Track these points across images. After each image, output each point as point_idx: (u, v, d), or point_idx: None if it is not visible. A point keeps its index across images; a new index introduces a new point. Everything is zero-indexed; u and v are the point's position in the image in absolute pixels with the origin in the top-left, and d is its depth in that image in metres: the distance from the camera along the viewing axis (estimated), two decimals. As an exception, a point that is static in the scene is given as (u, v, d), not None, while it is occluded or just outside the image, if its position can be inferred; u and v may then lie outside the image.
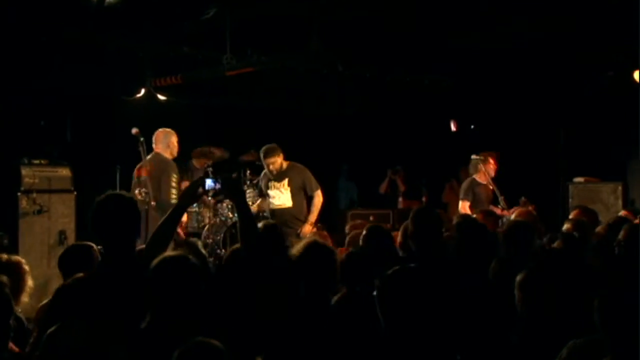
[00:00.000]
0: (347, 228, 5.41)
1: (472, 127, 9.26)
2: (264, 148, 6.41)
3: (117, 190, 2.90)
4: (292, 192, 6.32)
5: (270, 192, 6.41)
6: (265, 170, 6.50)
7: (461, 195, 6.75)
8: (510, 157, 7.24)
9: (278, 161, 6.30)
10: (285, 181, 6.34)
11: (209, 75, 7.18)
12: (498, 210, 6.40)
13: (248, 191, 7.38)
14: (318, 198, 6.37)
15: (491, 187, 6.65)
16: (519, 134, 8.89)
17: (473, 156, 6.81)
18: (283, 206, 6.33)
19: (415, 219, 3.67)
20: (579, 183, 7.74)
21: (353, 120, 9.01)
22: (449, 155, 9.15)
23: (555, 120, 8.53)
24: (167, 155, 6.07)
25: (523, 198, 6.70)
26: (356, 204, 9.67)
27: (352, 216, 8.29)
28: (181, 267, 2.42)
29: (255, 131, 8.34)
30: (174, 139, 6.08)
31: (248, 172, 7.63)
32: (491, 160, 6.71)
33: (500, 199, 6.50)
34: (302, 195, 6.33)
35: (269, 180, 6.44)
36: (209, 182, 2.96)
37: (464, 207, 6.65)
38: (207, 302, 2.46)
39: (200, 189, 2.98)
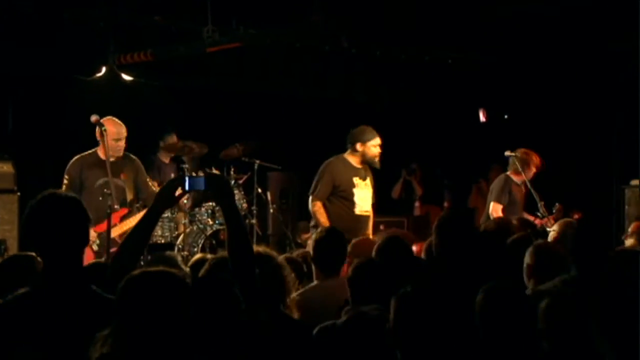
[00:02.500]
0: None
1: (506, 117, 9.28)
2: (363, 128, 6.17)
3: (57, 190, 2.79)
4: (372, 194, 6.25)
5: (356, 191, 6.16)
6: (351, 162, 6.20)
7: (493, 196, 6.69)
8: (551, 153, 7.19)
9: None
10: (369, 179, 6.22)
11: (186, 51, 7.20)
12: (536, 221, 6.39)
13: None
14: None
15: (524, 190, 6.66)
16: (562, 125, 8.88)
17: (507, 153, 6.76)
18: (368, 213, 6.20)
19: (441, 229, 3.62)
20: (637, 186, 7.77)
21: (361, 108, 8.98)
22: (476, 152, 9.20)
23: (608, 109, 8.55)
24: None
25: (557, 205, 6.68)
26: None
27: None
28: (165, 286, 2.26)
29: (241, 120, 8.42)
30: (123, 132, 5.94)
31: (232, 170, 7.66)
32: (535, 161, 6.66)
33: (540, 204, 6.47)
34: None
35: (352, 175, 6.16)
36: (190, 181, 2.79)
37: (496, 210, 6.59)
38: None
39: (179, 190, 2.83)
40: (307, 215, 7.69)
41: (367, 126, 6.19)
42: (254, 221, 7.68)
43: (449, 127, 9.57)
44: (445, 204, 9.39)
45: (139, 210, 5.81)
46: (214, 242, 7.14)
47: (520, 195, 6.67)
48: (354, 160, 6.16)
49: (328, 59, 8.33)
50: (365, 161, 6.17)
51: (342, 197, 6.10)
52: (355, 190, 6.15)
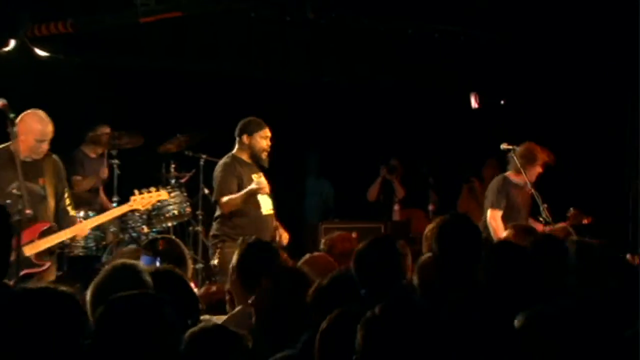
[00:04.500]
0: (323, 241, 5.52)
1: (502, 102, 9.35)
2: (250, 119, 6.49)
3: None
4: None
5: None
6: (243, 158, 6.47)
7: (489, 202, 6.76)
8: (554, 145, 7.14)
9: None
10: (262, 175, 6.50)
11: (114, 22, 7.21)
12: (539, 226, 6.37)
13: (173, 195, 7.33)
14: None
15: (530, 191, 6.68)
16: (568, 112, 8.94)
17: (503, 146, 6.76)
18: (272, 212, 6.49)
19: (441, 236, 3.71)
20: None
21: (329, 91, 9.02)
22: (467, 145, 9.22)
23: (620, 95, 8.57)
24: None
25: (572, 210, 6.82)
26: (332, 213, 9.67)
27: (326, 232, 8.05)
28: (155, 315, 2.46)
29: (184, 107, 8.43)
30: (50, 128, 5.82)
31: (173, 167, 7.74)
32: (542, 157, 6.69)
33: (542, 207, 6.48)
34: None
35: (251, 172, 6.44)
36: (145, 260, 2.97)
37: (494, 217, 6.62)
38: None
39: None
40: None
41: (255, 117, 6.43)
42: (199, 228, 7.68)
43: (435, 116, 9.64)
44: (430, 207, 9.31)
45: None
46: (150, 253, 6.83)
47: (522, 198, 6.71)
48: (244, 156, 6.43)
49: (290, 33, 8.39)
50: (252, 156, 6.41)
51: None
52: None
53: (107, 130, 7.67)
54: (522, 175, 6.65)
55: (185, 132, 7.74)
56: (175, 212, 7.35)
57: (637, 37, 6.90)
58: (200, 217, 7.71)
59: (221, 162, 6.48)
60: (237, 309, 3.91)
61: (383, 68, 8.94)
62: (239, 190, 6.31)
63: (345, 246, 4.90)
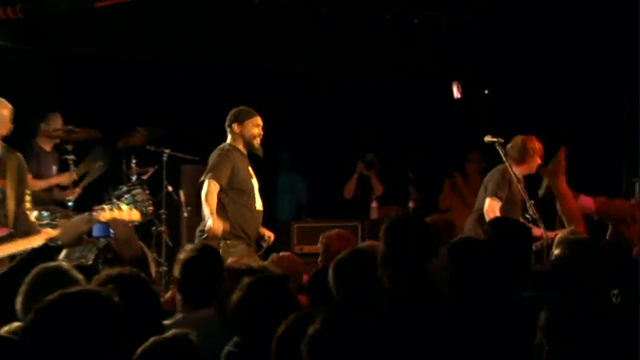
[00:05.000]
0: (320, 239, 5.69)
1: (487, 92, 9.32)
2: (240, 108, 6.50)
3: None
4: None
5: (255, 183, 6.47)
6: (240, 149, 6.46)
7: (490, 191, 6.71)
8: (544, 138, 7.06)
9: None
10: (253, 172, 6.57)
11: (68, 6, 7.23)
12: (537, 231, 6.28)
13: (134, 192, 7.13)
14: None
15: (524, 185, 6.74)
16: (558, 103, 8.90)
17: (487, 138, 6.64)
18: (261, 209, 6.52)
19: (388, 237, 3.78)
20: None
21: (302, 80, 9.01)
22: (449, 138, 9.17)
23: (616, 87, 8.54)
24: None
25: (531, 203, 6.60)
26: (305, 210, 9.62)
27: (299, 231, 8.26)
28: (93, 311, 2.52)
29: (145, 97, 8.36)
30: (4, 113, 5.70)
31: (134, 162, 7.68)
32: (538, 148, 6.69)
33: (529, 204, 6.40)
34: None
35: (247, 164, 6.46)
36: (98, 228, 3.34)
37: (492, 208, 6.54)
38: None
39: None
40: None
41: (245, 106, 6.49)
42: (162, 228, 7.71)
43: (415, 106, 9.58)
44: (410, 205, 9.21)
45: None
46: (109, 256, 6.40)
47: (520, 195, 6.66)
48: (240, 145, 6.44)
49: (259, 17, 8.37)
50: (246, 144, 6.42)
51: (240, 189, 6.33)
52: (253, 182, 6.44)
53: (59, 120, 7.58)
54: (523, 166, 6.68)
55: (147, 125, 7.63)
56: (140, 211, 7.00)
57: (637, 33, 6.94)
58: (163, 216, 7.65)
59: (219, 147, 6.46)
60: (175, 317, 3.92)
61: (360, 56, 8.94)
62: (230, 177, 6.24)
63: (342, 245, 4.99)
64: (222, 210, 6.22)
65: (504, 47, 8.84)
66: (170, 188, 7.77)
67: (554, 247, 4.94)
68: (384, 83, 9.38)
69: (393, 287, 3.69)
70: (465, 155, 8.86)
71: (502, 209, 6.58)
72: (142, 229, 7.40)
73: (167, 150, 7.70)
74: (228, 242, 6.18)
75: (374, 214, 9.28)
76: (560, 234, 5.66)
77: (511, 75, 9.02)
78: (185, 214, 8.11)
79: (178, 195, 8.04)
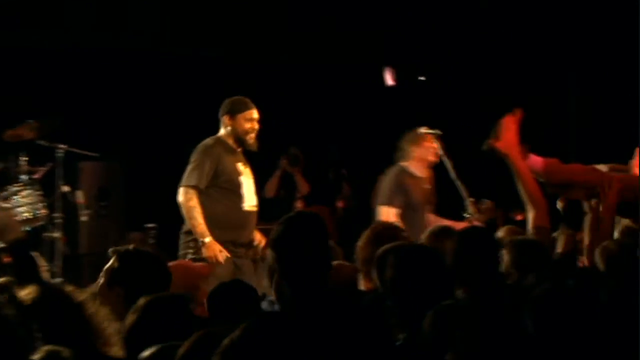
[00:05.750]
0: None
1: (422, 78, 9.37)
2: (234, 98, 6.42)
3: None
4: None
5: (243, 180, 6.33)
6: (229, 143, 6.35)
7: (382, 197, 6.75)
8: (485, 129, 6.79)
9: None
10: (249, 170, 6.42)
11: None
12: (460, 225, 6.36)
13: (24, 194, 7.19)
14: None
15: (429, 184, 6.79)
16: (500, 89, 8.92)
17: (422, 130, 6.69)
18: (255, 209, 6.41)
19: (281, 240, 3.60)
20: None
21: (217, 65, 8.89)
22: (382, 129, 8.95)
23: (559, 66, 8.70)
24: None
25: (487, 202, 7.00)
26: None
27: None
28: None
29: (36, 85, 8.24)
30: None
31: (24, 160, 7.43)
32: (429, 137, 6.69)
33: (468, 202, 6.49)
34: None
35: (236, 160, 6.33)
36: None
37: (387, 216, 6.61)
38: None
39: None
40: (140, 222, 8.00)
41: (241, 97, 6.41)
42: (57, 234, 7.50)
43: (343, 96, 9.54)
44: (339, 204, 9.25)
45: None
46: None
47: (421, 193, 6.75)
48: (230, 140, 6.34)
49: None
50: (237, 140, 6.32)
51: (226, 188, 6.22)
52: (242, 179, 6.29)
53: None
54: (422, 162, 6.73)
55: (39, 117, 7.41)
56: (27, 215, 7.13)
57: (637, 31, 6.87)
58: (58, 221, 7.44)
59: (205, 142, 6.36)
60: None
61: (281, 41, 8.93)
62: (215, 176, 6.13)
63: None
64: (204, 211, 6.13)
65: (439, 30, 8.86)
66: (66, 188, 7.57)
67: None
68: (309, 70, 9.33)
69: (293, 296, 3.58)
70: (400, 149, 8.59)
71: (402, 216, 6.54)
72: (34, 234, 7.36)
73: (62, 146, 7.46)
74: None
75: None
76: (502, 230, 5.76)
77: (448, 59, 9.05)
78: (84, 218, 8.02)
79: (75, 197, 7.85)
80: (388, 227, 5.08)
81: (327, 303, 3.53)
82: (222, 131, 6.30)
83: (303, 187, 9.35)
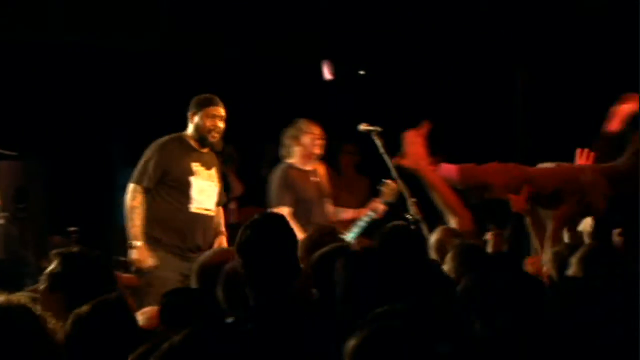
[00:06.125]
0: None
1: (362, 72, 9.38)
2: (201, 95, 6.47)
3: None
4: (219, 194, 6.46)
5: (194, 181, 6.28)
6: (190, 142, 6.37)
7: (271, 199, 6.89)
8: (433, 122, 6.91)
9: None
10: (214, 171, 6.44)
11: None
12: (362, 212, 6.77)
13: None
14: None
15: (322, 179, 6.88)
16: (444, 84, 9.00)
17: (362, 127, 6.59)
18: (210, 212, 6.37)
19: (245, 242, 3.69)
20: None
21: (143, 60, 8.78)
22: (321, 125, 8.71)
23: (506, 62, 8.76)
24: None
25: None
26: None
27: None
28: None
29: None
30: None
31: None
32: (314, 132, 6.82)
33: (411, 202, 6.31)
34: None
35: (192, 160, 6.32)
36: None
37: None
38: None
39: None
40: (61, 225, 7.91)
41: (208, 94, 6.46)
42: None
43: (279, 90, 9.46)
44: None
45: None
46: None
47: (311, 186, 6.89)
48: (192, 139, 6.39)
49: None
50: (199, 138, 6.35)
51: (174, 187, 6.22)
52: (192, 180, 6.25)
53: None
54: (307, 156, 6.84)
55: None
56: None
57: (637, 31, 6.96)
58: None
59: (162, 138, 6.38)
60: None
61: (214, 35, 8.85)
62: (163, 174, 6.13)
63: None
64: (148, 210, 6.11)
65: (381, 21, 8.76)
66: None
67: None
68: (242, 64, 9.22)
69: (256, 304, 3.59)
70: (338, 145, 8.64)
71: (296, 214, 6.58)
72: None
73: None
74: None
75: (232, 217, 8.82)
76: (436, 234, 5.70)
77: (389, 52, 9.00)
78: (1, 221, 7.72)
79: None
80: (323, 231, 5.10)
81: (289, 313, 3.50)
82: (188, 129, 6.34)
83: (237, 187, 9.19)
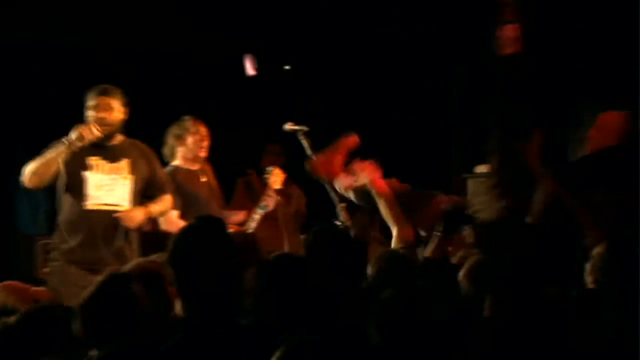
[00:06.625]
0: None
1: (287, 68, 9.47)
2: (93, 88, 6.34)
3: None
4: (134, 188, 6.25)
5: (90, 176, 6.18)
6: (81, 131, 6.19)
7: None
8: (359, 124, 7.03)
9: (119, 112, 6.27)
10: (124, 163, 6.26)
11: None
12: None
13: None
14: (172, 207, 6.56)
15: (204, 178, 6.92)
16: (375, 80, 9.07)
17: (287, 126, 6.70)
18: (107, 207, 6.19)
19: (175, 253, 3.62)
20: (483, 175, 7.70)
21: (46, 51, 8.49)
22: (241, 126, 9.20)
23: (442, 57, 8.80)
24: None
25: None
26: (53, 222, 9.16)
27: (44, 249, 7.86)
28: None
29: None
30: None
31: None
32: (201, 131, 6.88)
33: (339, 207, 6.44)
34: (142, 202, 6.38)
35: (88, 154, 6.21)
36: None
37: (169, 222, 6.73)
38: None
39: None
40: None
41: (101, 85, 6.38)
42: None
43: (196, 87, 9.31)
44: None
45: None
46: None
47: (201, 187, 6.93)
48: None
49: None
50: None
51: (69, 185, 6.15)
52: (87, 175, 6.16)
53: None
54: (182, 161, 6.88)
55: None
56: None
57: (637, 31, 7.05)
58: None
59: None
60: None
61: (121, 25, 8.64)
62: (58, 174, 6.05)
63: None
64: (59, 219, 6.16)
65: (307, 13, 8.68)
66: None
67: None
68: (154, 58, 9.08)
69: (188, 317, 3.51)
70: (261, 147, 8.64)
71: (187, 214, 6.55)
72: None
73: None
74: (52, 253, 6.15)
75: (146, 225, 8.21)
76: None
77: (317, 47, 9.02)
78: None
79: None
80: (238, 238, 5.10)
81: (222, 325, 3.41)
82: None
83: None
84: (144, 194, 6.21)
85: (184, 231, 3.59)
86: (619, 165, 6.03)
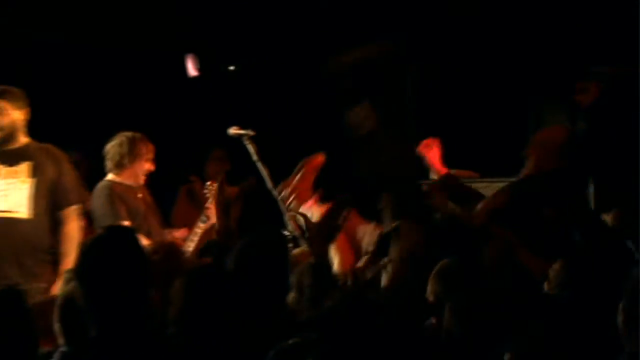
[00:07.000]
0: None
1: (232, 68, 9.46)
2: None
3: None
4: (36, 192, 6.17)
5: None
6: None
7: (96, 222, 6.75)
8: (306, 127, 7.45)
9: (12, 114, 6.18)
10: (24, 166, 6.20)
11: None
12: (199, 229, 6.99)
13: None
14: (75, 223, 6.37)
15: (142, 195, 6.91)
16: (322, 81, 8.97)
17: (232, 131, 6.59)
18: (9, 215, 6.18)
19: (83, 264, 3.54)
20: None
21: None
22: (183, 130, 9.17)
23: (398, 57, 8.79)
24: None
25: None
26: None
27: None
28: None
29: None
30: None
31: None
32: (148, 150, 6.87)
33: (288, 217, 6.28)
34: (48, 207, 6.26)
35: None
36: None
37: None
38: None
39: None
40: None
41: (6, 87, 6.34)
42: None
43: (134, 88, 9.26)
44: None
45: None
46: None
47: (140, 203, 6.92)
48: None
49: None
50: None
51: None
52: None
53: None
54: (136, 175, 6.85)
55: None
56: None
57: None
58: None
59: None
60: None
61: (56, 20, 8.54)
62: None
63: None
64: None
65: (253, 10, 8.67)
66: None
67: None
68: (88, 57, 8.92)
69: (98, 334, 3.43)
70: (206, 154, 8.75)
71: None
72: None
73: None
74: None
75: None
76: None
77: (264, 44, 8.98)
78: None
79: None
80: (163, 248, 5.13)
81: (134, 343, 3.35)
82: None
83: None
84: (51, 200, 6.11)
85: (91, 242, 3.51)
86: (564, 190, 5.87)
